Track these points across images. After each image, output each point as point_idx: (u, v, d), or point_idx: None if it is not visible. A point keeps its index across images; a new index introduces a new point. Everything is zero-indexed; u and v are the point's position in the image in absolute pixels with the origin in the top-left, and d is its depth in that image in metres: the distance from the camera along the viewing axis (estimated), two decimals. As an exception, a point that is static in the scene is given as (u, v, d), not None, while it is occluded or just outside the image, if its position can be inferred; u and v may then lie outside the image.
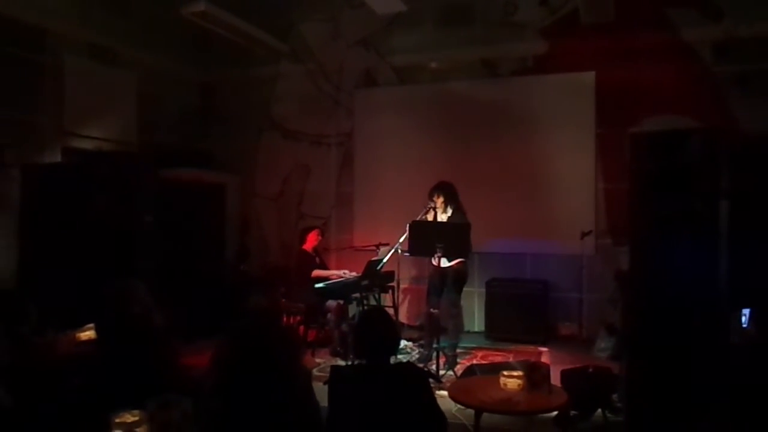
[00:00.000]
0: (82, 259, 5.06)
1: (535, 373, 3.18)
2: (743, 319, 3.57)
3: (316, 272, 6.05)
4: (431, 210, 5.32)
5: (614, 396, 4.11)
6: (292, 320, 6.25)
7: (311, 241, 6.29)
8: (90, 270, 4.87)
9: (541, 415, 3.77)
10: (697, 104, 6.11)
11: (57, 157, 6.00)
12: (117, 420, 2.21)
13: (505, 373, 3.26)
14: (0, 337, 2.20)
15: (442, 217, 5.35)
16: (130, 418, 2.23)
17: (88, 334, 3.65)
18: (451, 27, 7.16)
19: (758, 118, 5.87)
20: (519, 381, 3.19)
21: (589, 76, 6.65)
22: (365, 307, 5.69)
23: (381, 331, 2.50)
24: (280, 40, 7.54)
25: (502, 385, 3.22)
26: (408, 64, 7.42)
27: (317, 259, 6.34)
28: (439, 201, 5.35)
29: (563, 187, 6.70)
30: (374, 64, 7.55)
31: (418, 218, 5.35)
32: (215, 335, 2.05)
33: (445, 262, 5.28)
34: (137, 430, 2.19)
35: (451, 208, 5.38)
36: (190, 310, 5.51)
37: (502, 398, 3.13)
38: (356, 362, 2.58)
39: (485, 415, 3.23)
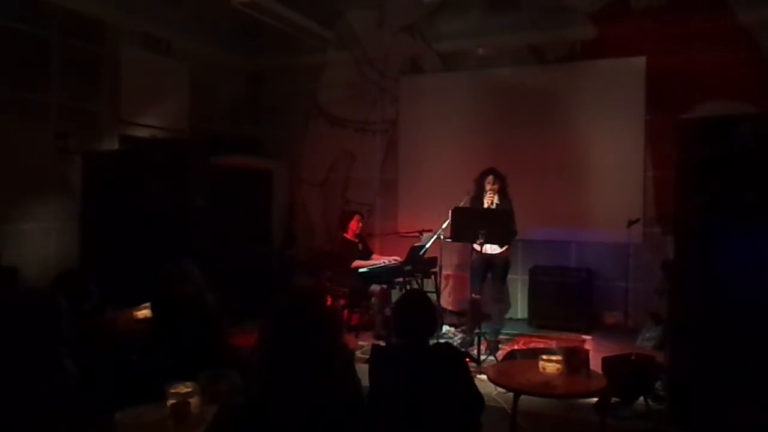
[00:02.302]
0: (138, 241, 5.30)
1: (573, 358, 3.20)
2: (792, 309, 3.49)
3: (357, 263, 6.12)
4: (489, 196, 5.35)
5: (657, 384, 4.08)
6: (337, 304, 6.39)
7: (352, 228, 6.38)
8: (145, 252, 5.10)
9: (581, 400, 3.81)
10: (754, 90, 5.88)
11: (114, 145, 6.28)
12: (172, 391, 2.37)
13: (544, 357, 3.29)
14: (66, 312, 2.36)
15: (493, 205, 5.39)
16: (183, 389, 2.38)
17: (144, 312, 3.85)
18: (497, 12, 7.08)
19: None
20: (558, 365, 3.21)
21: (640, 62, 6.50)
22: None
23: (420, 311, 2.57)
24: (326, 28, 7.64)
25: (540, 369, 3.26)
26: (453, 50, 7.39)
27: (360, 246, 6.43)
28: (496, 188, 5.39)
29: (610, 174, 6.59)
30: (420, 50, 7.55)
31: (461, 204, 5.39)
32: (262, 315, 2.16)
33: (496, 249, 5.32)
34: (190, 400, 2.35)
35: (501, 196, 5.41)
36: (239, 292, 5.71)
37: (541, 381, 3.16)
38: (396, 342, 2.67)
39: (525, 399, 3.28)
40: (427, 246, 5.86)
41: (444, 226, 5.51)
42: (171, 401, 2.33)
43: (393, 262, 6.17)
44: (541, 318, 6.48)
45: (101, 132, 6.18)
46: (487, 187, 5.39)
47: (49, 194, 5.62)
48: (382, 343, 5.02)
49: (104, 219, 5.64)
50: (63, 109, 5.75)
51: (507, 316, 6.32)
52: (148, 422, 2.29)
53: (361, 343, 5.66)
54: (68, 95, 5.79)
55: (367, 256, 6.41)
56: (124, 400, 2.46)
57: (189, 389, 2.39)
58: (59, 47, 5.71)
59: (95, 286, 3.35)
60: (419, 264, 5.99)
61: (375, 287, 5.94)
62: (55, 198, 5.68)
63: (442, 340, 4.61)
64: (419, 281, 6.19)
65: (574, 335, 6.03)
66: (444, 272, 6.42)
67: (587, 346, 5.44)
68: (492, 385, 3.49)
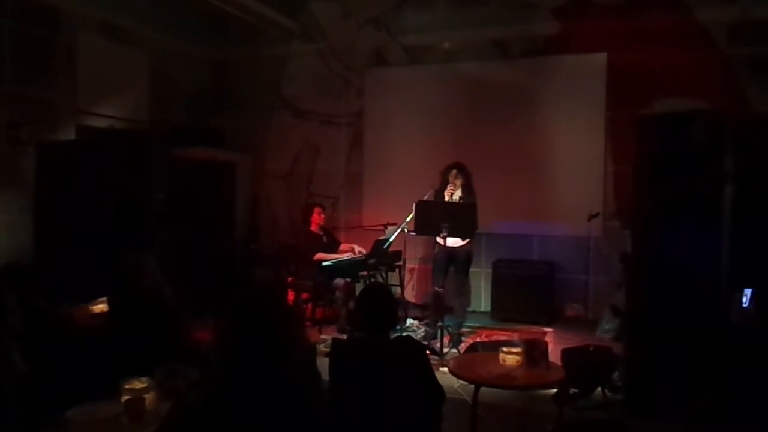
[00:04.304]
0: (95, 235, 5.16)
1: (533, 350, 3.23)
2: (744, 299, 3.60)
3: (319, 255, 6.08)
4: (450, 189, 5.37)
5: (615, 375, 4.16)
6: (300, 297, 6.34)
7: (315, 220, 6.34)
8: (103, 246, 4.98)
9: (540, 392, 3.87)
10: (710, 87, 6.04)
11: (71, 135, 6.09)
12: (126, 386, 2.32)
13: (504, 349, 3.32)
14: (15, 307, 2.29)
15: (455, 198, 5.41)
16: (138, 384, 2.34)
17: (101, 307, 3.77)
18: (462, 7, 7.09)
19: (772, 101, 5.84)
20: (517, 357, 3.25)
21: (601, 58, 6.60)
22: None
23: (380, 305, 2.57)
24: (291, 19, 7.55)
25: (501, 361, 3.29)
26: (419, 43, 7.38)
27: (324, 239, 6.40)
28: (459, 182, 5.41)
29: (572, 169, 6.69)
30: (385, 43, 7.53)
31: (426, 197, 5.41)
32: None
33: (458, 242, 5.35)
34: (145, 396, 2.30)
35: (465, 190, 5.45)
36: (200, 286, 5.63)
37: (501, 373, 3.19)
38: (357, 335, 2.66)
39: (486, 391, 3.31)
40: (391, 239, 5.86)
41: (408, 219, 5.53)
42: (125, 397, 2.28)
43: (359, 253, 6.15)
44: (503, 311, 6.55)
45: (57, 122, 5.99)
46: (451, 180, 5.42)
47: None
48: (344, 337, 5.03)
49: (60, 212, 5.47)
50: (15, 98, 5.54)
51: (470, 308, 6.37)
52: (101, 419, 2.24)
53: (324, 336, 5.64)
54: (21, 84, 5.59)
55: (333, 247, 6.38)
56: (78, 397, 2.40)
57: (144, 385, 2.35)
58: (11, 33, 5.50)
59: (48, 280, 3.26)
60: (383, 257, 5.99)
61: (339, 281, 5.92)
62: (7, 190, 5.48)
63: (405, 334, 4.63)
64: (383, 275, 6.19)
65: (535, 327, 6.12)
66: (408, 265, 6.44)
67: (548, 338, 5.53)
68: (454, 378, 3.50)
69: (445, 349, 5.04)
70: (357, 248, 6.24)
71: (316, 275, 6.02)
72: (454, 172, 5.44)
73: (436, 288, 5.44)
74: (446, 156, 5.86)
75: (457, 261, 5.47)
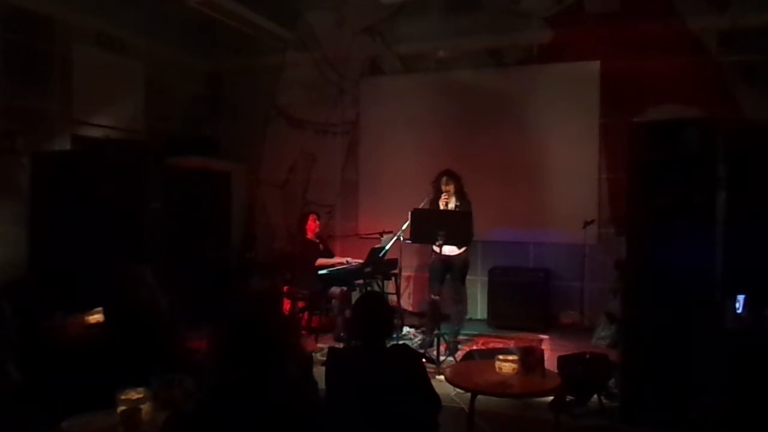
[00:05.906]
0: (90, 244, 5.15)
1: (529, 357, 3.24)
2: (738, 305, 3.62)
3: (320, 261, 6.11)
4: (444, 198, 5.38)
5: (611, 382, 4.17)
6: (296, 306, 6.33)
7: (311, 228, 6.34)
8: (98, 255, 4.96)
9: (537, 399, 3.87)
10: (703, 94, 6.09)
11: (66, 145, 6.09)
12: (122, 397, 2.30)
13: (501, 357, 3.32)
14: (10, 317, 2.28)
15: (450, 207, 5.43)
16: (134, 395, 2.32)
17: (96, 317, 3.75)
18: (456, 16, 7.14)
19: (764, 108, 5.88)
20: (513, 365, 3.25)
21: (594, 66, 6.65)
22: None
23: (376, 313, 2.57)
24: (286, 29, 7.58)
25: (497, 369, 3.29)
26: (413, 52, 7.43)
27: (321, 246, 6.40)
28: (452, 189, 5.42)
29: (567, 176, 6.72)
30: (380, 52, 7.57)
31: (421, 206, 5.43)
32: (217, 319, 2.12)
33: (454, 250, 5.36)
34: (141, 406, 2.29)
35: (458, 196, 5.46)
36: (196, 296, 5.61)
37: (497, 381, 3.20)
38: (353, 344, 2.66)
39: (483, 399, 3.31)
40: (387, 248, 5.86)
41: (404, 227, 5.53)
42: (121, 408, 2.27)
43: (354, 263, 6.15)
44: (500, 318, 6.56)
45: (52, 132, 5.99)
46: (443, 188, 5.44)
47: (-6, 196, 5.43)
48: (340, 346, 5.01)
49: (55, 222, 5.47)
50: (10, 109, 5.55)
51: (467, 316, 6.37)
52: (97, 430, 2.22)
53: (320, 345, 5.63)
54: (16, 94, 5.60)
55: (328, 256, 6.38)
56: (74, 407, 2.38)
57: (140, 395, 2.33)
58: (6, 44, 5.51)
59: (43, 290, 3.25)
60: (379, 266, 5.99)
61: (335, 289, 5.92)
62: (1, 200, 5.47)
63: (401, 342, 4.63)
64: (380, 283, 6.19)
65: (531, 335, 6.12)
66: (404, 273, 6.45)
67: (544, 346, 5.53)
68: (450, 386, 3.50)
69: (442, 357, 5.03)
70: (351, 261, 6.24)
71: (312, 284, 6.02)
72: (444, 179, 5.47)
73: (433, 296, 5.44)
74: (441, 164, 5.88)
75: (454, 269, 5.48)
